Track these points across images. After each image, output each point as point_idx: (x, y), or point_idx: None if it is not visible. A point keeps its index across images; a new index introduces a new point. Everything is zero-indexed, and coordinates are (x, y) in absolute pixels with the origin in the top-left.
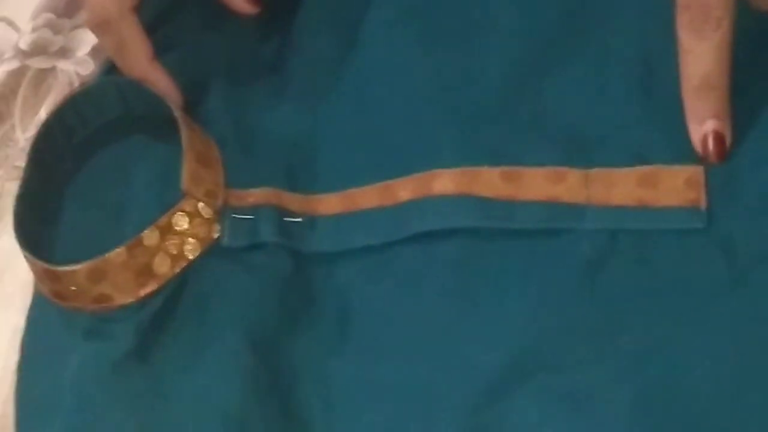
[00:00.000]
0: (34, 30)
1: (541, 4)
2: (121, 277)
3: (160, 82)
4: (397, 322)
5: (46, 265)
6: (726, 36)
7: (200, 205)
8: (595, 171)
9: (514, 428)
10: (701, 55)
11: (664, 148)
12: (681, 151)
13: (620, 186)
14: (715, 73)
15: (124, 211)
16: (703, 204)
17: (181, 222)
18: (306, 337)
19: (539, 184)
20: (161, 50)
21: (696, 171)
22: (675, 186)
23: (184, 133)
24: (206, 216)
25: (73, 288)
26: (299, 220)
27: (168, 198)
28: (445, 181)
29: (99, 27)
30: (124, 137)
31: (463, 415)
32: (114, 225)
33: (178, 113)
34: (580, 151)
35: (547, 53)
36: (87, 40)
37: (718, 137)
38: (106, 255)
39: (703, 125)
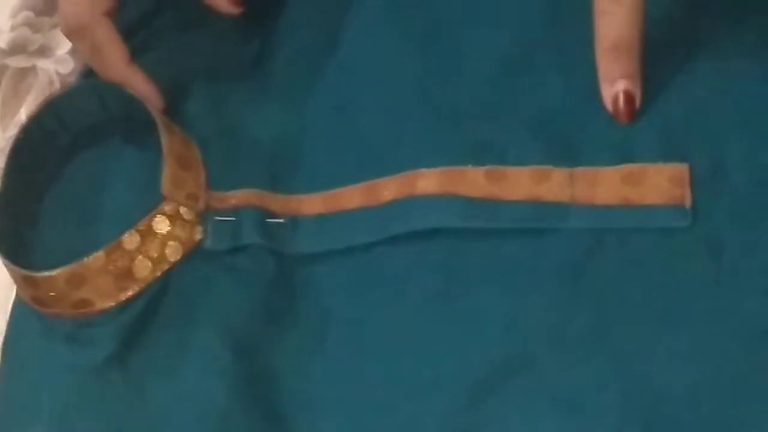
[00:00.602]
0: (13, 29)
1: (526, 1)
2: (100, 281)
3: (139, 85)
4: (380, 323)
5: (23, 271)
6: (640, 2)
7: (181, 208)
8: (579, 170)
9: (500, 430)
10: (615, 17)
11: (648, 146)
12: (666, 148)
13: (605, 184)
14: (628, 35)
15: (105, 215)
16: (687, 202)
17: (162, 225)
18: (288, 338)
19: (523, 183)
20: (141, 52)
21: (681, 168)
22: (659, 184)
23: (164, 137)
24: (188, 218)
25: (53, 294)
26: (282, 221)
27: (149, 201)
28: (428, 181)
29: (73, 33)
30: (105, 141)
31: (447, 416)
32: (94, 229)
33: (157, 116)
34: (565, 149)
35: (531, 51)
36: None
37: (629, 97)
38: (85, 260)
39: (615, 85)
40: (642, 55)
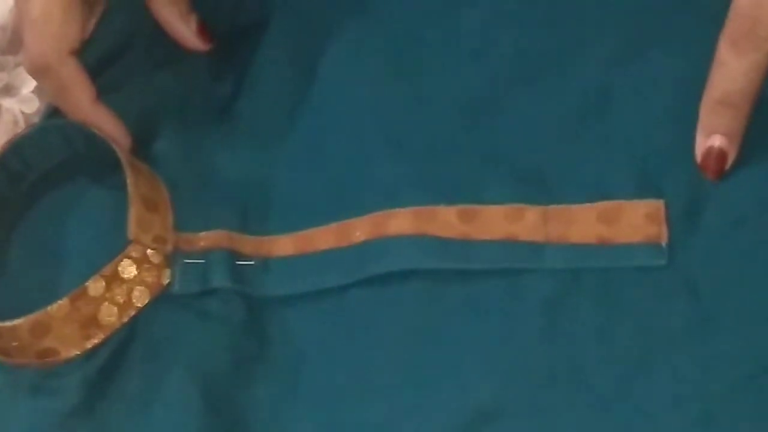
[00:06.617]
0: None
1: (496, 38)
2: (65, 329)
3: (106, 124)
4: (354, 368)
5: None
6: (763, 61)
7: (148, 251)
8: (553, 208)
9: None
10: (731, 70)
11: (623, 183)
12: (641, 185)
13: (580, 223)
14: (739, 93)
15: (69, 258)
16: (664, 239)
17: (128, 269)
18: (260, 385)
19: (497, 222)
20: (109, 90)
21: (656, 205)
22: (635, 221)
23: (130, 178)
24: (155, 262)
25: (16, 343)
26: (252, 263)
27: (115, 243)
28: (401, 221)
29: (38, 72)
30: (70, 181)
31: None
32: (59, 274)
33: (123, 156)
34: (539, 187)
35: (503, 88)
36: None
37: (721, 155)
38: (48, 308)
39: (710, 139)
40: (748, 117)
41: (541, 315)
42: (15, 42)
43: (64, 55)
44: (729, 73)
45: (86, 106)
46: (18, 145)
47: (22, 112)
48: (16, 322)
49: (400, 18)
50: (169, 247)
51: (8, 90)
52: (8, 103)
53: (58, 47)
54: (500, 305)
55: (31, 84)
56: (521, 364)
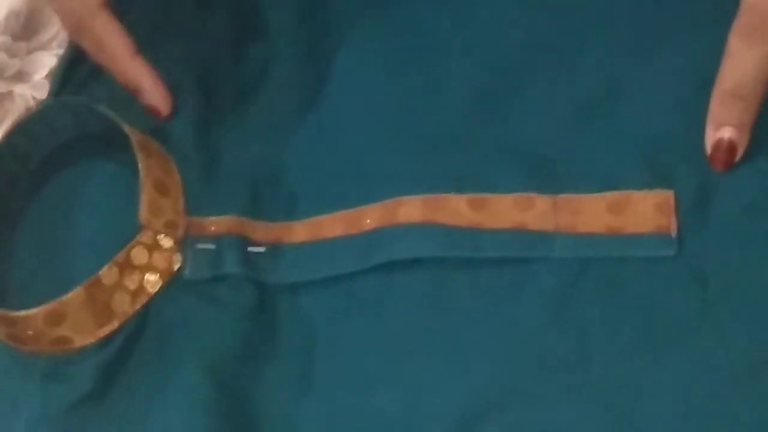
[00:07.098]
0: None
1: (507, 28)
2: (79, 318)
3: (145, 78)
4: (363, 355)
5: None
6: None
7: (160, 236)
8: (563, 197)
9: None
10: (742, 62)
11: (633, 173)
12: (651, 175)
13: (589, 212)
14: (749, 85)
15: (80, 241)
16: (673, 230)
17: (140, 256)
18: (271, 371)
19: (507, 211)
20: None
21: (666, 196)
22: (644, 211)
23: (141, 162)
24: (166, 247)
25: (30, 332)
26: (263, 250)
27: (126, 228)
28: (410, 209)
29: (74, 31)
30: (80, 159)
31: None
32: (70, 257)
33: (134, 139)
34: (548, 176)
35: (513, 77)
36: (43, 63)
37: (731, 147)
38: (64, 297)
39: (720, 131)
40: (758, 109)
41: (548, 304)
42: (28, 28)
43: (94, 8)
44: (739, 66)
45: (126, 59)
46: (24, 125)
47: (34, 98)
48: (31, 311)
49: (412, 8)
50: (180, 232)
51: (21, 76)
52: (21, 89)
53: (87, 1)
54: (507, 294)
55: (44, 70)
56: (527, 353)
